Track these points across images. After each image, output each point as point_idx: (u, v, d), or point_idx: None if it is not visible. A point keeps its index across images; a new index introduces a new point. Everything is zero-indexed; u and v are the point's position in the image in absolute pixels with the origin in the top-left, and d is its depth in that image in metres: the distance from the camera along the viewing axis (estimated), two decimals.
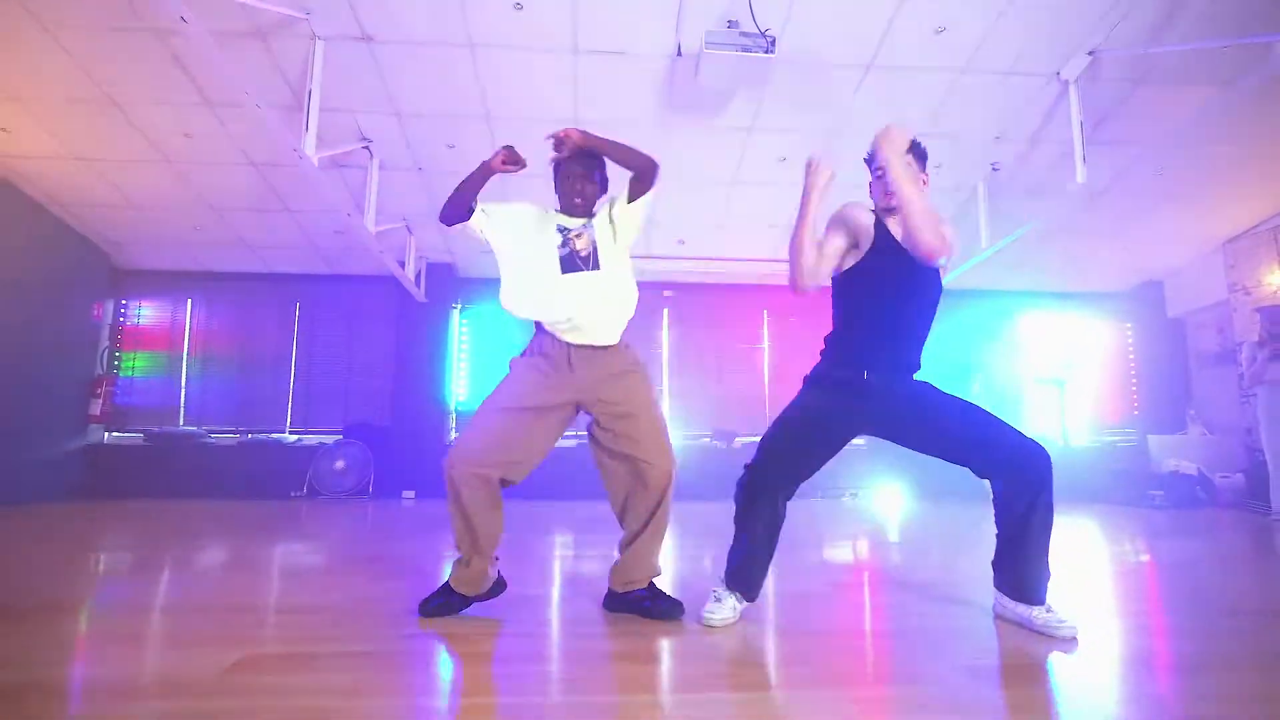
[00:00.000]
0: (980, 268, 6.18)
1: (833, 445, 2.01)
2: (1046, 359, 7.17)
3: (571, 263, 1.99)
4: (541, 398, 1.98)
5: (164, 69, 4.11)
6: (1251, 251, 6.17)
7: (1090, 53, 4.09)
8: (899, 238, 1.94)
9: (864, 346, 1.99)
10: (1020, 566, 1.91)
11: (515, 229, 2.07)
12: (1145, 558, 3.39)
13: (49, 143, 4.83)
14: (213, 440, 6.38)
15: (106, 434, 6.30)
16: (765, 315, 7.11)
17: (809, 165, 2.00)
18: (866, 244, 1.99)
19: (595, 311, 1.99)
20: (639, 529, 2.00)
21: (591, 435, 2.07)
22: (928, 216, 1.83)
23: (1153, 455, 6.48)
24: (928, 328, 2.04)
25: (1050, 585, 1.89)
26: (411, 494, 6.21)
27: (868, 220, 2.00)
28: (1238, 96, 3.76)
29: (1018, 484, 1.87)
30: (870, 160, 2.04)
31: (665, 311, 7.09)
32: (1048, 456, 1.88)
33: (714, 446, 6.71)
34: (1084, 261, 6.84)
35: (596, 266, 2.01)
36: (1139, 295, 7.34)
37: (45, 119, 4.61)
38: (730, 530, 2.04)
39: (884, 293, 1.97)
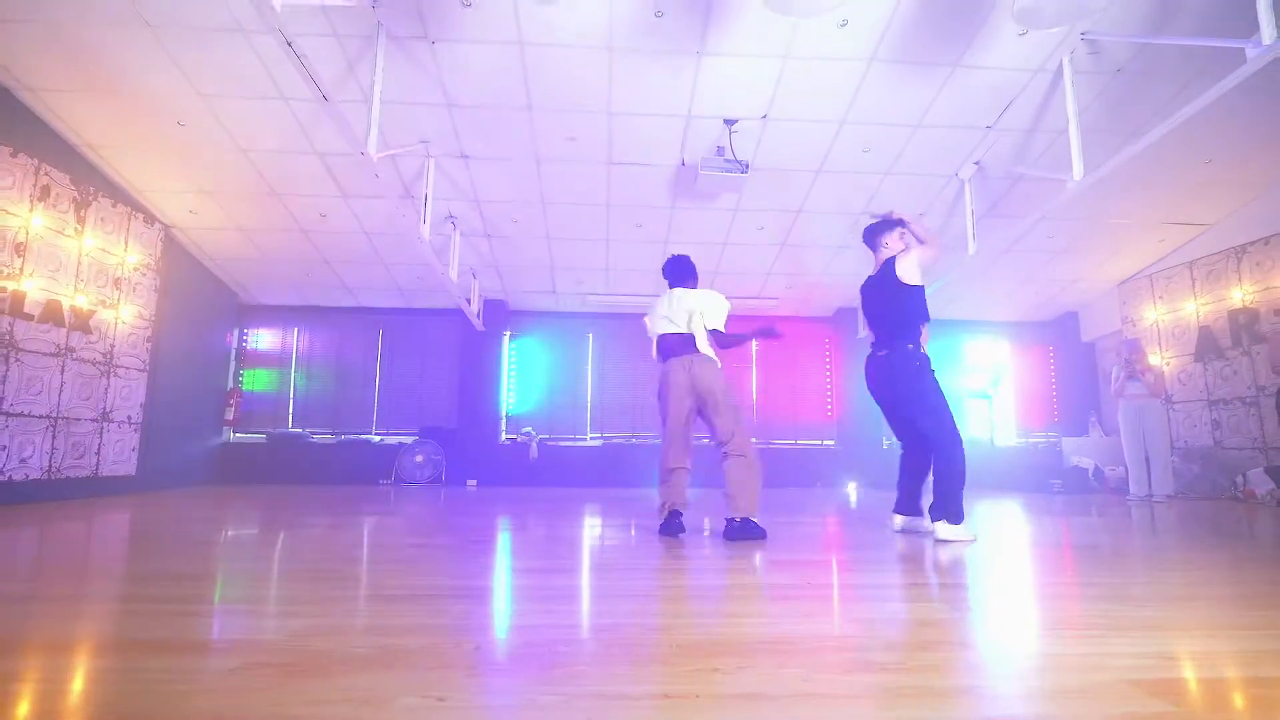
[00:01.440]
0: (929, 303, 7.85)
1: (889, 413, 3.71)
2: (980, 375, 8.82)
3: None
4: None
5: (317, 173, 5.83)
6: (1135, 293, 7.81)
7: (976, 162, 5.77)
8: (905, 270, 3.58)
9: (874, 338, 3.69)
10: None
11: None
12: (1022, 528, 5.04)
13: (221, 219, 6.58)
14: (315, 440, 8.09)
15: (234, 434, 8.02)
16: (753, 342, 8.77)
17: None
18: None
19: None
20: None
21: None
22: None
23: (1065, 453, 8.11)
24: (890, 310, 3.58)
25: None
26: (474, 482, 7.90)
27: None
28: (1087, 185, 5.42)
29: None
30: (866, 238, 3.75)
31: None
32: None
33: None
34: (1014, 296, 8.50)
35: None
36: (1059, 324, 8.98)
37: (225, 206, 6.35)
38: None
39: (865, 306, 3.72)
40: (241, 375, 8.16)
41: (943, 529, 3.27)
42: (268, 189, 6.08)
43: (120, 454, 6.05)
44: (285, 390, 8.22)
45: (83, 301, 5.54)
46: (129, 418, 6.14)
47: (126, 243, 6.05)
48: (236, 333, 8.16)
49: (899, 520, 3.67)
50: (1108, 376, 8.47)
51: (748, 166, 5.30)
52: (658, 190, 6.17)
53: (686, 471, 3.54)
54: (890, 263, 3.55)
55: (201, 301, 7.42)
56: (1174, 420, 7.26)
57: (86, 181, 5.58)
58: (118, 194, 5.94)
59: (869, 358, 3.67)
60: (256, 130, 5.31)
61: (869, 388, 3.70)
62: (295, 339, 8.32)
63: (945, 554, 2.93)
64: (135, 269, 6.15)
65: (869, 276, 3.75)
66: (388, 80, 4.61)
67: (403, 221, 5.57)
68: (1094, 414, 8.32)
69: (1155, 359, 7.39)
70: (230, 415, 7.84)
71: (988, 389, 8.64)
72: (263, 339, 8.30)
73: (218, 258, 7.34)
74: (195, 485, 7.22)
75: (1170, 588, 2.20)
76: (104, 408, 5.83)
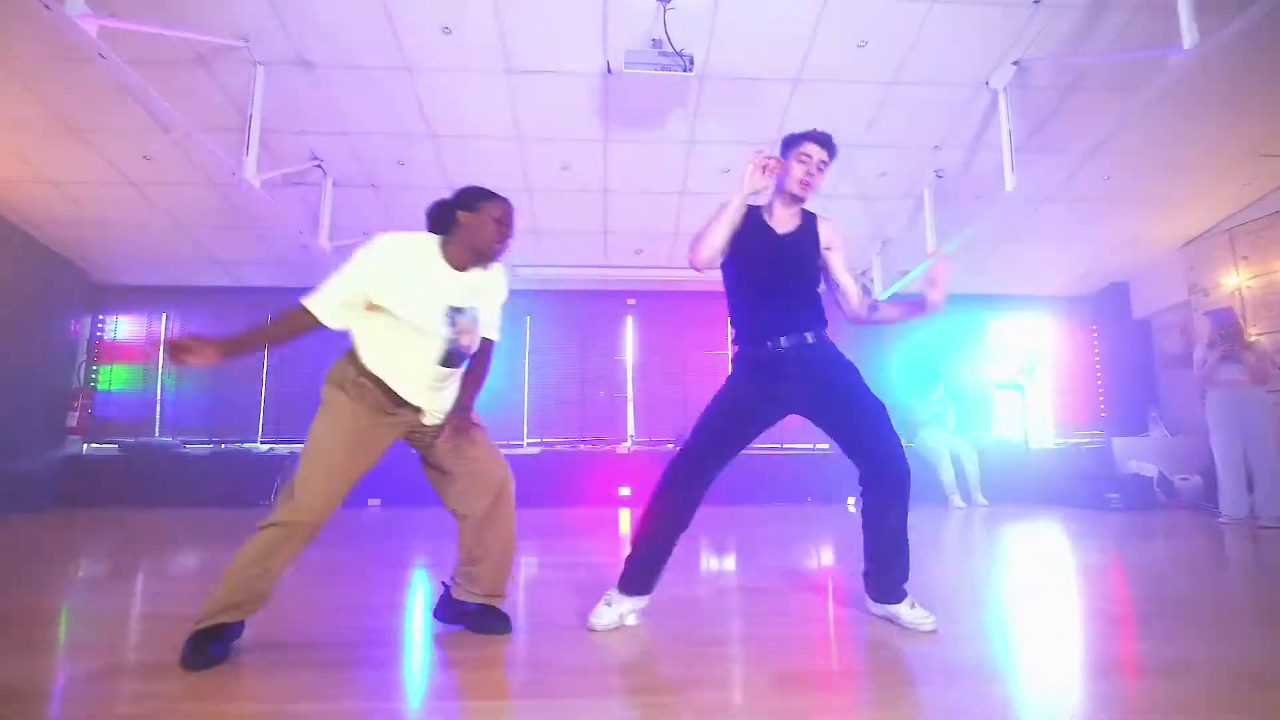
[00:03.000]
0: None
1: (759, 425, 2.13)
2: (1010, 363, 7.20)
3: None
4: None
5: (115, 97, 4.26)
6: (1208, 254, 6.17)
7: (1015, 62, 4.16)
8: (781, 224, 2.17)
9: (764, 319, 2.12)
10: (881, 570, 2.07)
11: None
12: (1082, 559, 3.44)
13: (21, 168, 5.02)
14: (188, 450, 6.55)
15: (85, 445, 6.49)
16: (729, 322, 7.18)
17: (754, 168, 1.99)
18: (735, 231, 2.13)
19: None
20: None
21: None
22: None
23: (1117, 457, 6.49)
24: (813, 289, 2.19)
25: (907, 584, 2.05)
26: (377, 500, 6.35)
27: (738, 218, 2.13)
28: (1154, 102, 3.80)
29: (880, 493, 2.04)
30: (790, 144, 2.16)
31: (629, 319, 7.19)
32: (906, 472, 2.03)
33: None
34: (1049, 265, 6.87)
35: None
36: (1105, 298, 7.34)
37: (21, 152, 4.79)
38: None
39: (767, 268, 2.14)
40: (95, 372, 6.61)
41: (907, 613, 2.02)
42: (59, 122, 4.52)
43: None
44: (151, 390, 6.67)
45: None
46: None
47: None
48: (88, 320, 6.61)
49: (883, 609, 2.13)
50: (1169, 359, 6.85)
51: (692, 61, 3.71)
52: (582, 113, 4.58)
53: None
54: (813, 219, 2.23)
55: (26, 279, 5.86)
56: None
57: None
58: None
59: (760, 346, 2.13)
60: (9, 24, 3.74)
61: (755, 386, 2.14)
62: (163, 326, 6.77)
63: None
64: None
65: (760, 224, 2.19)
66: None
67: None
68: (1154, 408, 6.69)
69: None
70: (74, 422, 6.30)
71: (1019, 378, 7.02)
72: (122, 328, 6.75)
73: (43, 224, 5.78)
74: (32, 510, 5.68)
75: None
76: None
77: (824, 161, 2.13)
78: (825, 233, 2.21)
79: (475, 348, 1.97)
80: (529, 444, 6.87)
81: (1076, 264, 6.86)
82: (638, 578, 2.08)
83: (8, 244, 5.67)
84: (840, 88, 4.37)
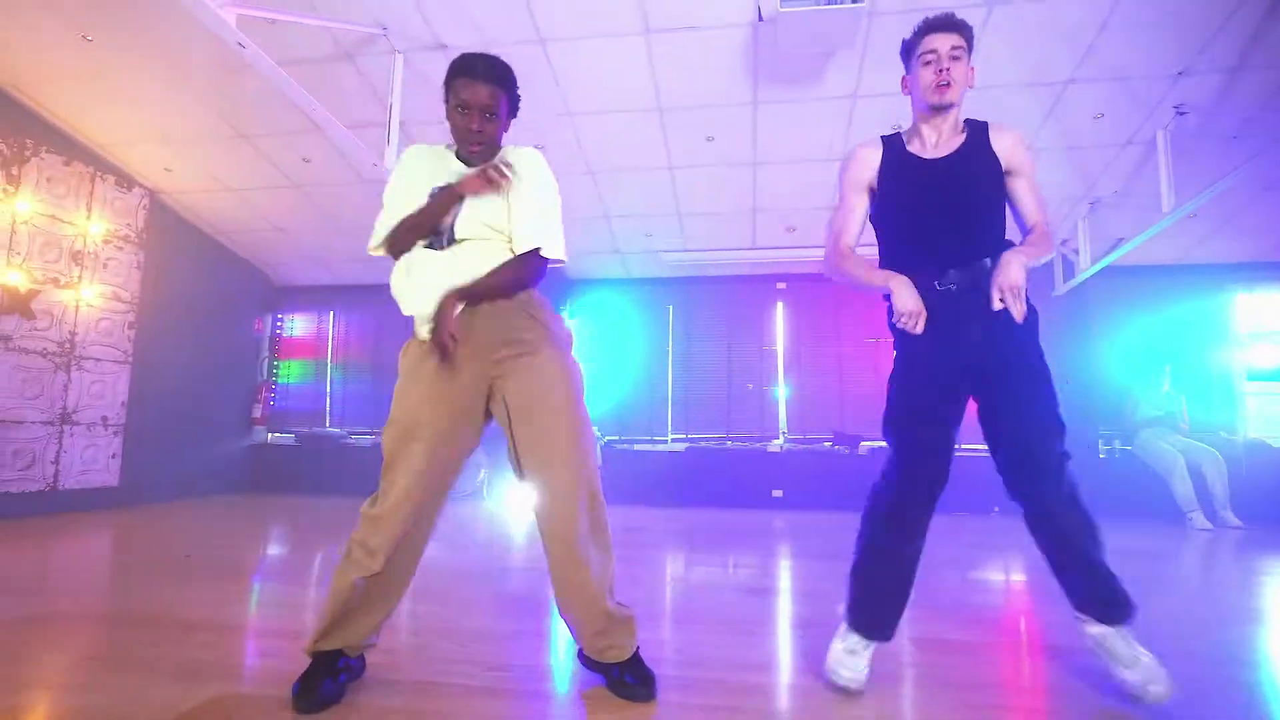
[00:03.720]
0: (1170, 239, 5.11)
1: (950, 395, 1.64)
2: (1269, 348, 5.74)
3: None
4: None
5: (271, 99, 4.41)
6: None
7: None
8: (935, 148, 1.70)
9: (925, 252, 1.65)
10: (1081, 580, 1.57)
11: None
12: None
13: (203, 177, 5.43)
14: (353, 441, 6.90)
15: (269, 435, 7.04)
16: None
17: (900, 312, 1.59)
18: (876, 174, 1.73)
19: None
20: None
21: None
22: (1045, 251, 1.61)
23: None
24: (994, 212, 1.67)
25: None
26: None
27: (874, 157, 1.74)
28: None
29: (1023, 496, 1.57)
30: (909, 51, 1.72)
31: (779, 306, 6.59)
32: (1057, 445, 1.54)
33: (836, 452, 6.11)
34: None
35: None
36: None
37: (196, 157, 5.18)
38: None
39: (920, 210, 1.67)
40: (276, 367, 7.15)
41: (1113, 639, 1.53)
42: (230, 129, 4.79)
43: (91, 461, 5.07)
44: (322, 384, 7.10)
45: (18, 279, 4.55)
46: (103, 419, 5.15)
47: (89, 209, 5.04)
48: (269, 319, 7.15)
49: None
50: None
51: None
52: (730, 74, 4.09)
53: None
54: (983, 131, 1.70)
55: (218, 282, 6.42)
56: None
57: (22, 133, 4.58)
58: (73, 149, 4.93)
59: (929, 289, 1.62)
60: (179, 39, 3.95)
61: (929, 345, 1.61)
62: (331, 324, 7.17)
63: None
64: (104, 240, 5.15)
65: (904, 158, 1.72)
66: None
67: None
68: None
69: None
70: (258, 413, 6.84)
71: None
72: (298, 325, 7.24)
73: (225, 229, 6.28)
74: (208, 495, 6.24)
75: None
76: (62, 407, 4.85)
77: (957, 48, 1.62)
78: (1003, 147, 1.65)
79: (476, 235, 1.57)
80: (674, 440, 6.50)
81: None
82: (870, 618, 1.63)
83: (202, 252, 6.22)
84: (1050, 4, 3.52)
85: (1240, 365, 5.81)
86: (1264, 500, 5.17)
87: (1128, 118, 4.30)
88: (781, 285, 6.50)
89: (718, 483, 6.11)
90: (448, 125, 1.65)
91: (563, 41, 3.90)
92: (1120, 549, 2.74)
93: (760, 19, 3.65)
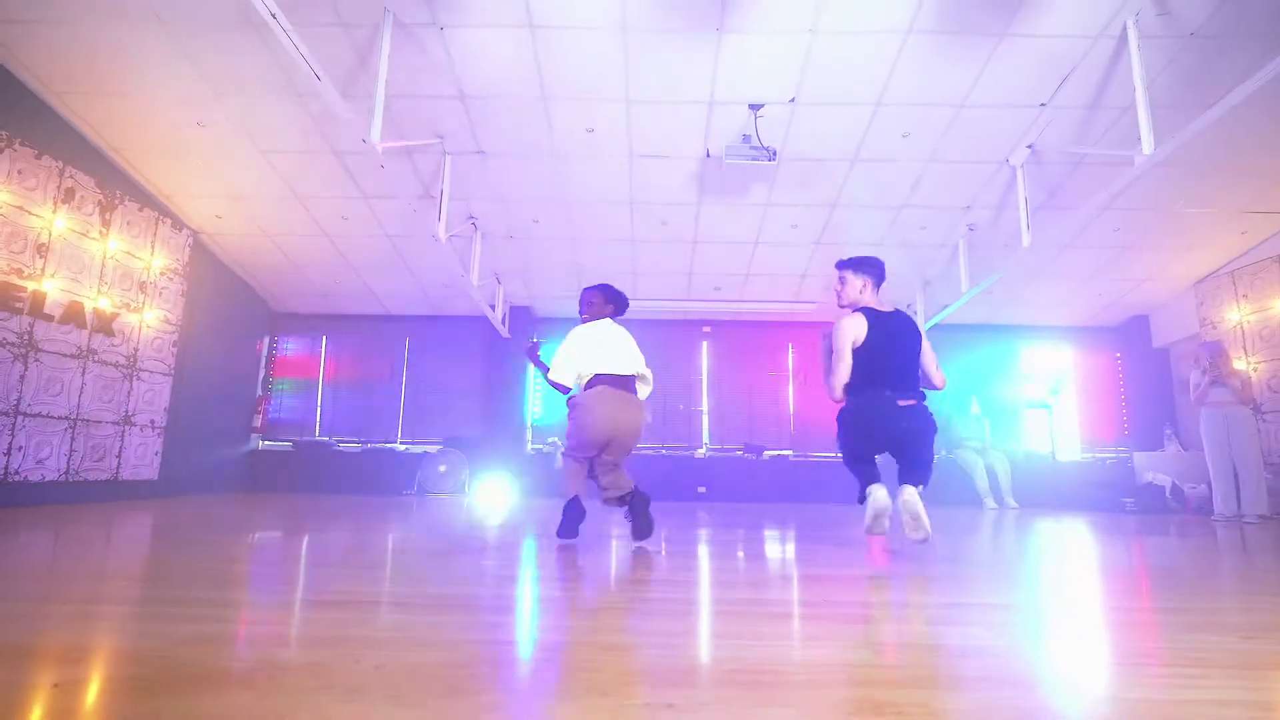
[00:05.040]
0: (981, 306, 7.35)
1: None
2: (1039, 385, 8.16)
3: None
4: None
5: (335, 173, 5.74)
6: (1215, 292, 7.09)
7: (1029, 145, 5.28)
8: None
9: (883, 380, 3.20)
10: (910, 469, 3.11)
11: None
12: (1087, 547, 4.49)
13: (247, 225, 6.58)
14: (342, 448, 8.01)
15: (263, 441, 8.01)
16: (790, 348, 8.37)
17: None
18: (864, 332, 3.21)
19: None
20: None
21: None
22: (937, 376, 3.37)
23: (1136, 469, 7.38)
24: (916, 365, 3.30)
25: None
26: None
27: (860, 323, 3.18)
28: (1159, 160, 4.86)
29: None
30: (840, 265, 3.34)
31: (705, 345, 8.43)
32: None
33: (745, 458, 7.94)
34: (1073, 299, 7.84)
35: None
36: (1128, 328, 8.26)
37: (249, 210, 6.35)
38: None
39: (884, 351, 3.22)
40: (273, 383, 8.16)
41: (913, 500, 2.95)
42: (289, 191, 6.03)
43: (142, 457, 6.03)
44: (312, 398, 8.18)
45: (105, 304, 5.55)
46: (152, 421, 6.13)
47: (153, 247, 6.08)
48: (267, 340, 8.17)
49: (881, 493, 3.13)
50: (1185, 384, 7.72)
51: (775, 153, 4.96)
52: (683, 185, 5.87)
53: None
54: (908, 317, 3.32)
55: (231, 308, 7.44)
56: (1264, 432, 6.50)
57: (113, 185, 5.62)
58: (144, 198, 5.98)
59: (878, 397, 3.17)
60: (273, 129, 5.24)
61: (870, 426, 3.20)
62: (323, 346, 8.29)
63: (985, 569, 2.50)
64: (162, 273, 6.18)
65: (877, 313, 3.24)
66: (398, 71, 4.47)
67: (423, 223, 5.43)
68: (1169, 427, 7.56)
69: (1240, 364, 6.65)
70: (257, 423, 7.83)
71: (1047, 398, 7.97)
72: (291, 346, 8.30)
73: (247, 264, 7.37)
74: (219, 492, 7.19)
75: (1273, 616, 1.75)
76: (126, 411, 5.82)
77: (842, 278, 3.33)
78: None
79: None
80: None
81: (1097, 299, 7.82)
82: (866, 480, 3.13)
83: (220, 282, 7.26)
84: (888, 165, 5.56)
85: (1021, 397, 8.20)
86: (1034, 490, 7.44)
87: (941, 229, 6.45)
88: (707, 329, 8.35)
89: (656, 481, 7.76)
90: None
91: (572, 160, 5.53)
92: (939, 521, 4.64)
93: (709, 155, 5.45)
